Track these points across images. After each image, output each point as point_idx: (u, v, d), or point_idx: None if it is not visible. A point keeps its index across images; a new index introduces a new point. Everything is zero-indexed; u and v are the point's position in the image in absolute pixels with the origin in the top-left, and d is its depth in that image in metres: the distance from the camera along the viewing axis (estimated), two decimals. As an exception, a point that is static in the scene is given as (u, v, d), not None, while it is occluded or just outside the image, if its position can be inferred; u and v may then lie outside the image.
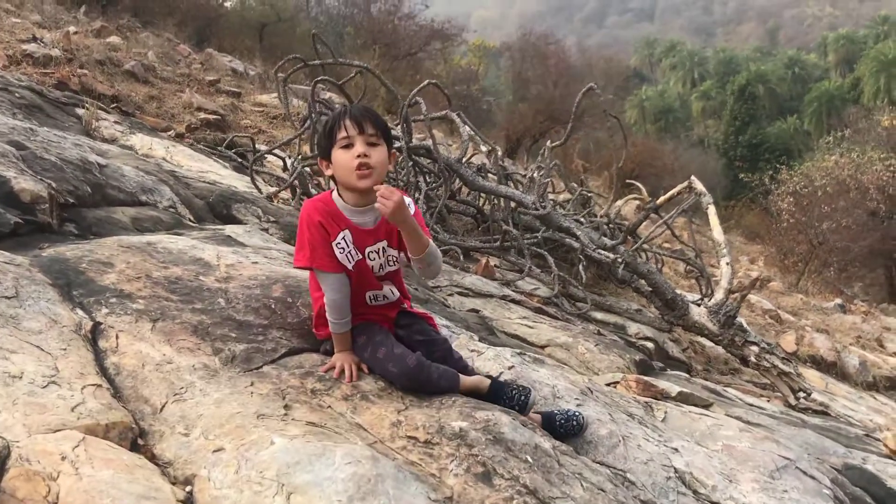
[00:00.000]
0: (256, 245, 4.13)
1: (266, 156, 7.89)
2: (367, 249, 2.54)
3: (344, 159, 2.43)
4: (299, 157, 6.60)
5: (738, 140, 53.51)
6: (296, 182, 6.34)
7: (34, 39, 9.56)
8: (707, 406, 4.19)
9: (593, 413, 2.95)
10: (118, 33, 14.33)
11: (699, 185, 7.05)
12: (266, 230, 4.82)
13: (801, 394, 5.99)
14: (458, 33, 29.50)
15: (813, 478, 2.94)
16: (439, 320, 3.55)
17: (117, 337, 2.37)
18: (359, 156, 2.41)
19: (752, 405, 5.36)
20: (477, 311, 5.26)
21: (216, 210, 4.88)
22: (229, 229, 4.38)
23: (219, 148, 7.98)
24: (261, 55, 21.60)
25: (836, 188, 17.87)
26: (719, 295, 6.32)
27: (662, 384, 4.15)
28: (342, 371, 2.46)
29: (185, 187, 4.94)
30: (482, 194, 7.53)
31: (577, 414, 2.77)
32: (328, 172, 2.52)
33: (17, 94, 6.33)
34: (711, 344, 6.88)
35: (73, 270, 2.64)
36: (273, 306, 2.75)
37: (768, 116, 62.84)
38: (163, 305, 2.56)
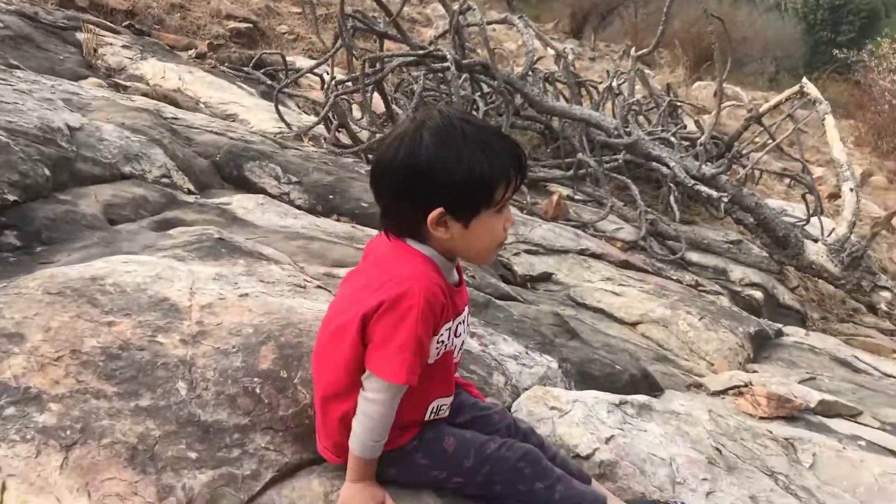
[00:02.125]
0: (270, 226, 3.25)
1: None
2: (457, 321, 1.65)
3: (495, 229, 1.59)
4: (333, 81, 5.59)
5: (818, 2, 49.63)
6: (330, 113, 5.38)
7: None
8: (856, 415, 3.26)
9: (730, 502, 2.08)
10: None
11: (814, 91, 5.83)
12: (287, 195, 3.91)
13: (946, 346, 4.97)
14: None
15: None
16: (509, 340, 2.64)
17: (3, 487, 1.53)
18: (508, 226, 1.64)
19: (892, 376, 4.42)
20: (550, 276, 4.34)
21: (224, 172, 3.98)
22: (236, 203, 3.50)
23: (245, 69, 6.98)
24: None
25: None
26: (841, 229, 5.22)
27: (797, 389, 3.23)
28: None
29: (186, 144, 4.03)
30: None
31: None
32: (443, 235, 1.55)
33: None
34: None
35: (-42, 358, 1.79)
36: (258, 390, 1.86)
37: (853, -26, 58.06)
38: (89, 410, 1.70)
